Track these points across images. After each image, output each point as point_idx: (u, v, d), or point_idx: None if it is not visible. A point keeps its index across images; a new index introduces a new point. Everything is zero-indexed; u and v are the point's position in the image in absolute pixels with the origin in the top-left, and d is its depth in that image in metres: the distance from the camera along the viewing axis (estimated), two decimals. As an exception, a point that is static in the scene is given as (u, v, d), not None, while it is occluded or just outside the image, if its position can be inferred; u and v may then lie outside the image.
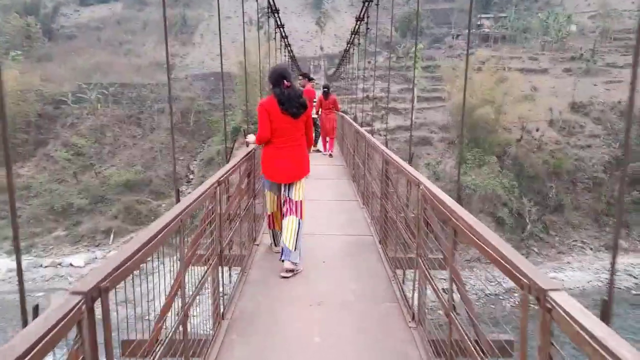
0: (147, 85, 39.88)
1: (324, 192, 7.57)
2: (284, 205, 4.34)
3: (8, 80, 30.60)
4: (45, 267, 25.48)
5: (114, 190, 31.31)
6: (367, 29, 11.06)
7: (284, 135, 4.16)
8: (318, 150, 11.86)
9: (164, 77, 42.91)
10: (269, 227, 4.72)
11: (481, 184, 27.45)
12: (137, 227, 28.06)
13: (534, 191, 30.59)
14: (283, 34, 14.84)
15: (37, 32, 51.66)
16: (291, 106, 4.09)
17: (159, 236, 1.94)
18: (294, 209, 4.21)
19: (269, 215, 4.63)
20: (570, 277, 25.59)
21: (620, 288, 24.57)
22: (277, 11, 11.37)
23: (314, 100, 10.61)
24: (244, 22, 7.66)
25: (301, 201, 4.28)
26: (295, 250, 4.06)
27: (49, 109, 37.52)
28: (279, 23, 12.52)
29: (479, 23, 53.54)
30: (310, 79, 10.46)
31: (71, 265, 25.60)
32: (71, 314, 1.27)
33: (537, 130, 34.00)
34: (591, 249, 29.21)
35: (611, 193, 31.44)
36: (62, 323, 1.22)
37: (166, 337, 2.12)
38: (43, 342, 1.12)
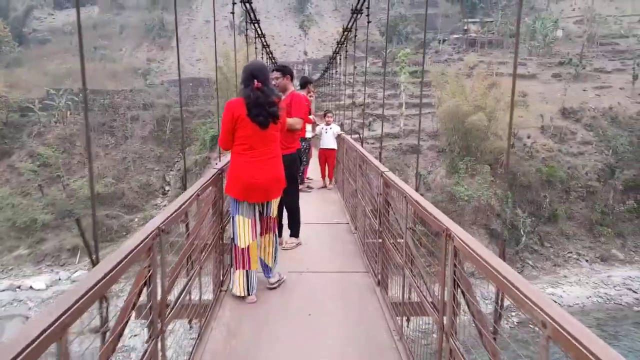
0: (120, 91, 37.78)
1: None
2: (260, 225, 3.74)
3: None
4: (2, 290, 23.19)
5: (83, 204, 29.09)
6: (355, 35, 10.56)
7: (256, 146, 3.45)
8: (309, 187, 8.51)
9: (140, 83, 41.03)
10: (241, 267, 3.54)
11: (474, 194, 26.07)
12: (108, 244, 25.94)
13: (527, 201, 29.39)
14: (264, 43, 13.51)
15: (7, 36, 49.13)
16: (257, 114, 3.36)
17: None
18: (271, 226, 3.77)
19: (242, 250, 3.53)
20: (569, 292, 24.30)
21: (620, 304, 23.37)
22: (258, 22, 10.65)
23: (310, 114, 7.59)
24: (215, 23, 6.81)
25: (276, 217, 3.88)
26: (275, 265, 3.84)
27: (14, 117, 35.17)
28: (259, 33, 11.88)
29: (465, 28, 52.69)
30: (305, 82, 7.45)
31: (31, 288, 23.37)
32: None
33: (529, 137, 32.92)
34: (587, 260, 28.10)
35: (605, 202, 30.47)
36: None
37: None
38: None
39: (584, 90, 38.90)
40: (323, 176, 8.80)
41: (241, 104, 3.36)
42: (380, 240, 3.76)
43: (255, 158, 3.41)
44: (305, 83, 7.52)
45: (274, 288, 3.78)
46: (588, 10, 50.18)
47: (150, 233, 2.04)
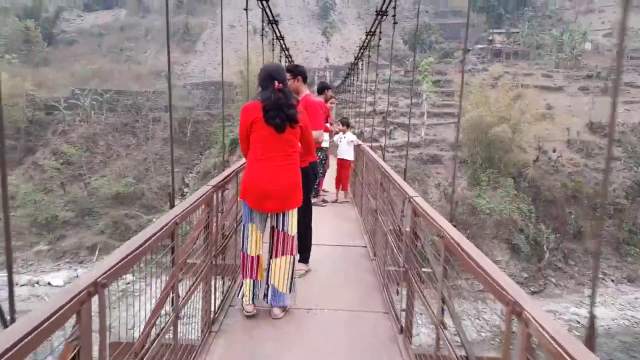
0: (143, 93, 38.25)
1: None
2: (272, 242, 3.39)
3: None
4: (21, 285, 23.42)
5: (103, 202, 29.42)
6: (379, 40, 10.03)
7: (271, 151, 3.23)
8: (324, 201, 7.77)
9: (163, 85, 41.50)
10: (249, 275, 3.38)
11: (496, 208, 25.41)
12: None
13: (551, 216, 28.54)
14: (283, 46, 13.32)
15: (37, 37, 50.30)
16: (274, 116, 3.16)
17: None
18: (288, 246, 3.35)
19: (252, 258, 3.36)
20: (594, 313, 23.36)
21: (648, 327, 22.38)
22: (276, 22, 10.26)
23: (328, 121, 7.20)
24: (247, 30, 6.96)
25: (295, 235, 3.43)
26: (290, 293, 3.42)
27: (40, 115, 35.88)
28: (277, 35, 11.44)
29: (490, 38, 51.99)
30: (323, 88, 7.05)
31: (49, 284, 23.57)
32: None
33: (554, 151, 32.07)
34: (612, 280, 27.09)
35: (634, 220, 29.39)
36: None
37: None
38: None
39: (613, 105, 37.81)
40: (337, 188, 8.19)
41: (257, 107, 3.19)
42: (404, 270, 3.18)
43: (270, 163, 3.18)
44: (322, 88, 7.05)
45: (279, 318, 3.34)
46: (618, 24, 48.95)
47: (79, 293, 1.39)
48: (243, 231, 3.36)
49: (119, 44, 55.84)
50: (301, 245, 4.22)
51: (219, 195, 3.38)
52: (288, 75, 4.02)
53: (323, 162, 7.29)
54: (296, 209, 3.35)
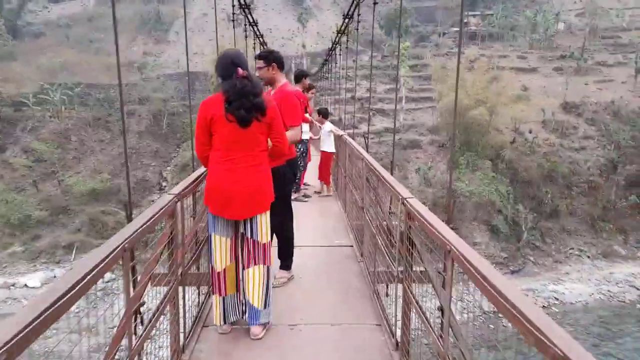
0: (115, 85, 37.09)
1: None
2: (243, 252, 3.02)
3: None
4: (-4, 288, 22.78)
5: (78, 200, 28.65)
6: (358, 23, 9.97)
7: (234, 150, 2.84)
8: (306, 196, 7.39)
9: (135, 77, 40.41)
10: (217, 292, 3.01)
11: (475, 190, 25.72)
12: (103, 241, 25.51)
13: (529, 197, 29.06)
14: (257, 33, 12.99)
15: (0, 29, 48.29)
16: (239, 106, 2.74)
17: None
18: (260, 255, 2.99)
19: (218, 274, 2.99)
20: (571, 289, 23.99)
21: (623, 302, 23.09)
22: (248, 7, 9.94)
23: (307, 112, 6.66)
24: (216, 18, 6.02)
25: (269, 242, 3.06)
26: (265, 308, 3.02)
27: (8, 112, 34.56)
28: (250, 20, 11.12)
29: (465, 21, 52.07)
30: (300, 75, 6.48)
31: (26, 286, 22.96)
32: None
33: (530, 132, 32.54)
34: (588, 257, 27.82)
35: (607, 197, 30.15)
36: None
37: None
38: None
39: (586, 84, 38.48)
40: (319, 179, 7.83)
41: (218, 101, 2.77)
42: (398, 279, 2.83)
43: (233, 165, 2.81)
44: (300, 76, 6.50)
45: (259, 338, 2.99)
46: (590, 3, 49.59)
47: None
48: (209, 242, 2.99)
49: (88, 35, 54.06)
50: (282, 251, 3.89)
51: (185, 203, 2.97)
52: (261, 62, 3.57)
53: (304, 154, 6.87)
54: (267, 213, 2.99)
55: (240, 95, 2.72)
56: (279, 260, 3.92)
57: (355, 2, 9.07)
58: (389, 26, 48.66)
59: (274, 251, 3.53)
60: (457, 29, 51.68)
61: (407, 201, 2.65)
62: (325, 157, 7.75)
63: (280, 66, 3.61)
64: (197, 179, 3.26)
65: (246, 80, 2.75)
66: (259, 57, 3.61)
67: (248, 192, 2.85)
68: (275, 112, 2.92)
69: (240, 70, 2.75)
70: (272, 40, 49.37)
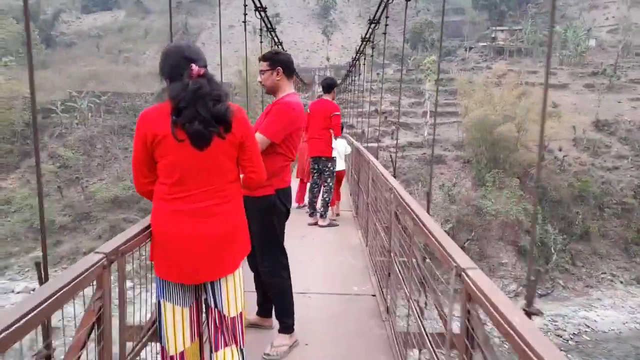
0: (141, 94, 37.76)
1: None
2: (205, 326, 2.18)
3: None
4: (17, 292, 22.94)
5: (101, 206, 28.93)
6: (372, 48, 10.24)
7: (188, 183, 1.93)
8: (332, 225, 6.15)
9: (161, 87, 41.00)
10: None
11: (502, 209, 24.83)
12: (122, 249, 25.60)
13: (558, 217, 27.95)
14: (282, 49, 13.00)
15: (35, 39, 49.89)
16: (191, 117, 1.84)
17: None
18: (229, 333, 2.06)
19: (172, 359, 2.04)
20: (603, 317, 22.74)
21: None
22: (274, 29, 10.11)
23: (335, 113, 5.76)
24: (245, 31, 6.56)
25: (240, 314, 2.10)
26: None
27: (37, 118, 35.42)
28: (276, 41, 11.30)
29: (493, 36, 51.34)
30: (331, 85, 5.93)
31: (45, 291, 23.08)
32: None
33: (560, 149, 31.47)
34: (621, 282, 26.47)
35: (643, 220, 28.77)
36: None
37: None
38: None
39: (619, 102, 37.20)
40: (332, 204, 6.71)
41: (163, 112, 1.87)
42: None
43: (186, 205, 1.92)
44: (330, 85, 5.90)
45: None
46: (623, 20, 48.30)
47: None
48: (158, 313, 2.06)
49: (118, 45, 55.41)
50: (277, 309, 2.93)
51: (121, 263, 1.86)
52: (264, 65, 2.80)
53: (331, 173, 5.94)
54: (238, 273, 2.08)
55: (194, 101, 1.83)
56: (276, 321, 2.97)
57: (382, 3, 8.81)
58: (414, 40, 48.30)
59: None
60: (484, 43, 50.98)
61: (466, 273, 1.59)
62: (337, 176, 6.72)
63: (288, 72, 2.84)
64: (140, 232, 2.03)
65: (203, 80, 1.88)
66: (262, 58, 2.85)
67: (209, 245, 1.95)
68: (247, 126, 2.01)
69: (195, 67, 1.87)
70: (296, 53, 49.60)
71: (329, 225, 6.00)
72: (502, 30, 51.88)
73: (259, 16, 8.34)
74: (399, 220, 3.11)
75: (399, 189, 3.20)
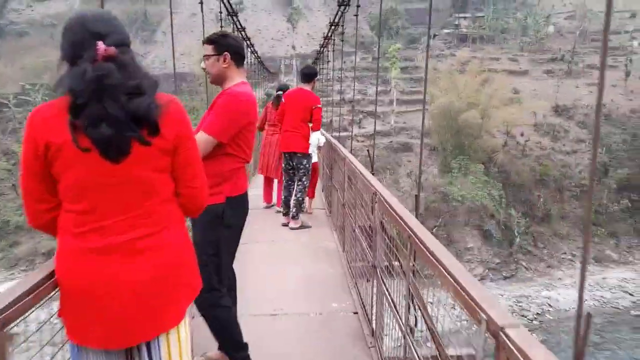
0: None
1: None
2: None
3: None
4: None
5: (60, 205, 27.75)
6: (343, 33, 9.96)
7: (102, 207, 1.38)
8: (303, 226, 5.60)
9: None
10: None
11: (468, 195, 25.30)
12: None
13: (520, 201, 28.78)
14: (244, 37, 12.61)
15: (-18, 28, 47.08)
16: (95, 117, 1.29)
17: None
18: None
19: None
20: (564, 295, 23.66)
21: (617, 308, 22.81)
22: (236, 14, 9.68)
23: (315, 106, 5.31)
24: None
25: None
26: None
27: (-13, 113, 33.53)
28: (238, 27, 10.86)
29: (456, 23, 51.92)
30: (311, 74, 5.51)
31: (3, 295, 22.03)
32: None
33: (522, 135, 32.28)
34: (581, 261, 27.59)
35: (599, 201, 29.96)
36: None
37: None
38: None
39: (577, 87, 38.40)
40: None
41: (59, 113, 1.32)
42: None
43: (102, 239, 1.38)
44: (309, 75, 5.35)
45: None
46: (579, 6, 49.68)
47: None
48: None
49: (73, 34, 52.95)
50: (225, 342, 2.42)
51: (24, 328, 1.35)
52: (209, 49, 2.36)
53: (307, 171, 5.41)
54: (183, 325, 1.52)
55: (98, 95, 1.29)
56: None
57: (340, 12, 8.80)
58: (378, 28, 48.26)
59: None
60: (448, 30, 51.52)
61: (505, 333, 1.14)
62: (314, 167, 6.46)
63: (237, 58, 2.39)
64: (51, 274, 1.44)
65: (110, 65, 1.32)
66: (207, 40, 2.39)
67: (138, 295, 1.40)
68: (182, 124, 1.47)
69: (101, 46, 1.32)
70: (261, 42, 48.70)
71: (301, 227, 5.42)
72: (464, 18, 52.53)
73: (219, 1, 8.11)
74: (385, 230, 2.66)
75: (385, 195, 2.65)
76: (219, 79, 2.42)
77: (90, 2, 62.38)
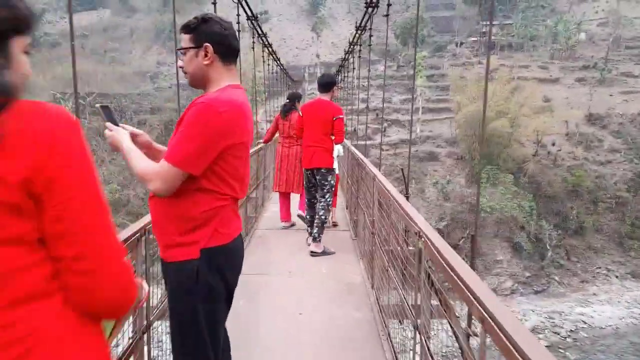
0: (127, 95, 36.98)
1: None
2: None
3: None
4: None
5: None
6: (370, 35, 9.67)
7: None
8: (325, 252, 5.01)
9: (148, 86, 40.22)
10: None
11: (497, 206, 24.48)
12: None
13: (552, 212, 27.72)
14: (267, 43, 12.56)
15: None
16: None
17: None
18: None
19: None
20: (600, 312, 22.53)
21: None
22: (256, 18, 9.38)
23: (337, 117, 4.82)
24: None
25: None
26: None
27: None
28: (259, 32, 10.74)
29: (483, 30, 51.03)
30: (330, 83, 4.95)
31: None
32: None
33: (554, 144, 31.23)
34: (617, 276, 26.33)
35: (636, 214, 28.63)
36: None
37: None
38: None
39: (611, 95, 37.04)
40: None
41: None
42: None
43: None
44: (328, 84, 4.90)
45: None
46: (613, 13, 48.20)
47: None
48: None
49: (103, 45, 54.39)
50: None
51: None
52: (186, 40, 1.68)
53: (332, 188, 4.99)
54: None
55: None
56: None
57: (367, 14, 8.57)
58: (404, 36, 47.81)
59: None
60: (475, 38, 50.69)
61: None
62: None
63: (223, 51, 1.69)
64: None
65: None
66: (183, 28, 1.69)
67: None
68: (58, 154, 0.80)
69: None
70: (286, 50, 48.98)
71: (323, 253, 4.89)
72: (492, 25, 51.62)
73: (251, 25, 8.00)
74: (432, 281, 2.02)
75: (434, 239, 1.97)
76: (198, 81, 1.73)
77: (120, 14, 64.14)
